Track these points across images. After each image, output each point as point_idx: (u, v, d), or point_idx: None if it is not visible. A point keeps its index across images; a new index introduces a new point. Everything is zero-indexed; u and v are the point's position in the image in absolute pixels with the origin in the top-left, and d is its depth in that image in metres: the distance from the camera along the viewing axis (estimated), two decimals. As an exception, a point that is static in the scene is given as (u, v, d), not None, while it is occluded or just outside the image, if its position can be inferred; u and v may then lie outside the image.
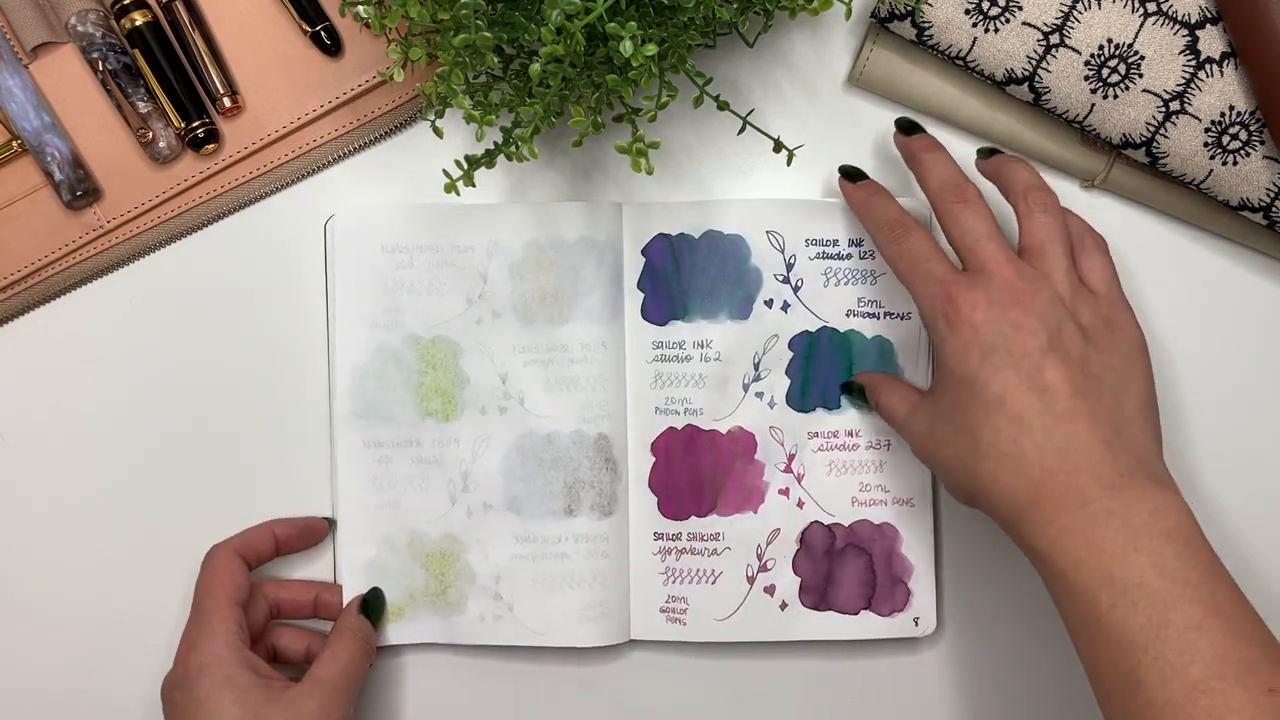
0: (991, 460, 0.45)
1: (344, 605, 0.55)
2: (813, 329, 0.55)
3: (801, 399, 0.55)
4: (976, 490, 0.46)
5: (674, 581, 0.55)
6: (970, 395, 0.45)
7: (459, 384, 0.55)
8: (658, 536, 0.55)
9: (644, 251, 0.55)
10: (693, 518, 0.55)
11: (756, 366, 0.55)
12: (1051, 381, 0.44)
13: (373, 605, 0.54)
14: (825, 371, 0.55)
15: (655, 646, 0.56)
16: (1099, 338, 0.46)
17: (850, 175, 0.53)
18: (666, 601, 0.55)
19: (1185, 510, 0.44)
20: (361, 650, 0.52)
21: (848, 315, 0.55)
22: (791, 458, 0.55)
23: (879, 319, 0.55)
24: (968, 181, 0.49)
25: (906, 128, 0.52)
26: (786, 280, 0.55)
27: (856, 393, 0.54)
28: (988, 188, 0.51)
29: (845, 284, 0.55)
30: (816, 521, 0.55)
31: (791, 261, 0.55)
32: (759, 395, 0.55)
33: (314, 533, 0.55)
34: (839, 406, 0.55)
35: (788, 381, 0.55)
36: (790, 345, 0.55)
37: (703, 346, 0.55)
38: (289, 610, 0.54)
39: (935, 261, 0.47)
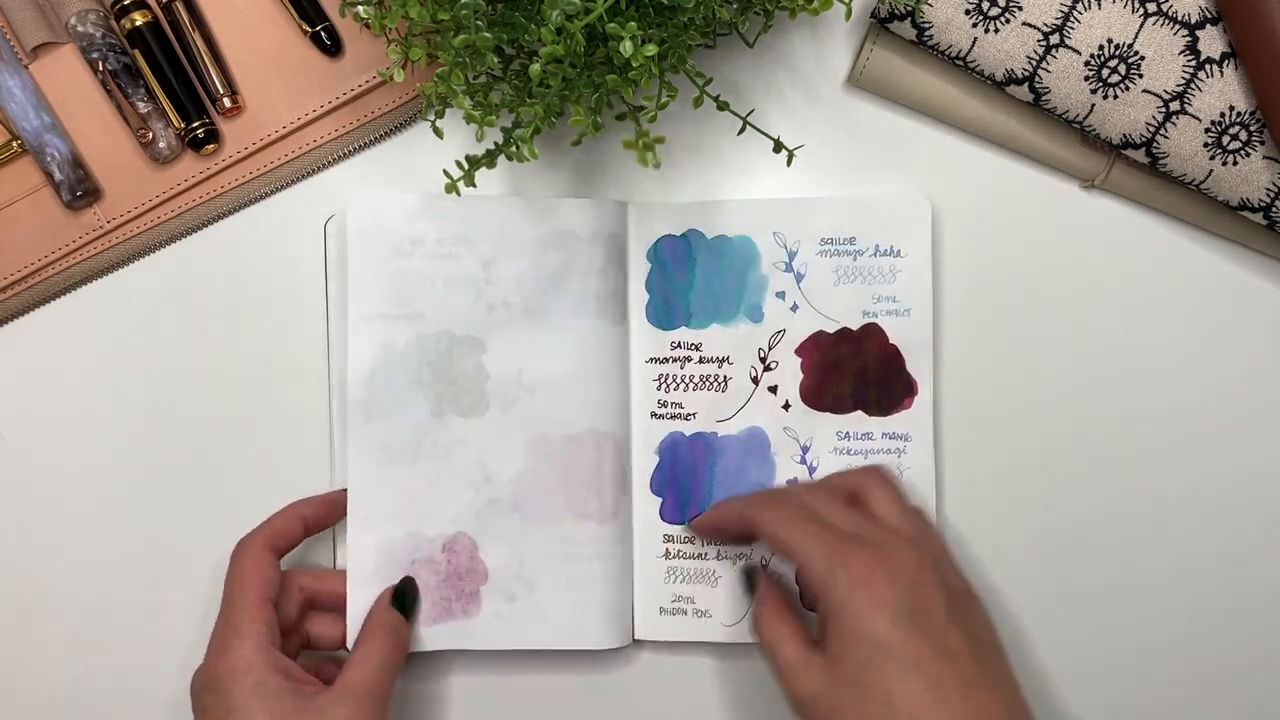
0: None
1: (354, 607, 0.53)
2: (828, 330, 0.55)
3: (816, 400, 0.55)
4: None
5: (677, 582, 0.55)
6: (883, 658, 0.44)
7: (475, 380, 0.54)
8: (664, 539, 0.55)
9: (650, 253, 0.55)
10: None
11: (766, 367, 0.55)
12: (955, 648, 0.45)
13: (406, 598, 0.53)
14: (838, 373, 0.55)
15: (658, 647, 0.56)
16: (965, 599, 0.47)
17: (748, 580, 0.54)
18: (670, 602, 0.55)
19: None
20: (394, 647, 0.51)
21: (855, 313, 0.55)
22: (804, 461, 0.55)
23: (888, 315, 0.55)
24: (773, 489, 0.52)
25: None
26: (789, 268, 0.55)
27: (747, 584, 0.54)
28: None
29: (858, 282, 0.55)
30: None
31: (795, 249, 0.55)
32: (770, 396, 0.55)
33: (339, 506, 0.54)
34: (851, 409, 0.55)
35: (799, 381, 0.55)
36: (799, 348, 0.55)
37: (709, 348, 0.55)
38: (325, 603, 0.53)
39: (814, 523, 0.47)
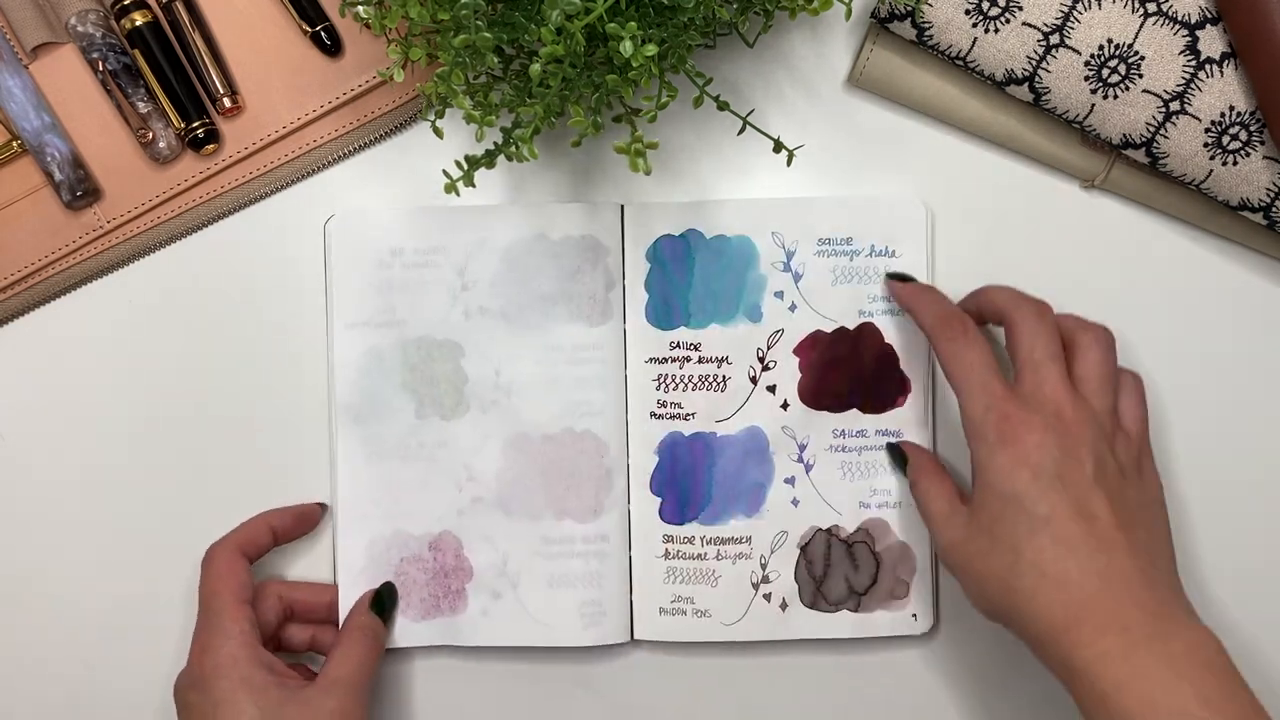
0: (1031, 578, 0.45)
1: (346, 602, 0.55)
2: (825, 329, 0.55)
3: (813, 399, 0.55)
4: (1010, 606, 0.46)
5: (677, 582, 0.55)
6: (1015, 512, 0.46)
7: (454, 383, 0.55)
8: (663, 539, 0.55)
9: (649, 253, 0.55)
10: (696, 520, 0.55)
11: (765, 367, 0.55)
12: (1097, 511, 0.45)
13: (384, 601, 0.54)
14: (835, 372, 0.55)
15: (656, 646, 0.56)
16: (1132, 476, 0.48)
17: (900, 279, 0.54)
18: (670, 602, 0.55)
19: (1221, 645, 0.45)
20: (372, 647, 0.52)
21: (853, 313, 0.55)
22: (801, 460, 0.55)
23: (886, 314, 0.55)
24: (964, 316, 0.50)
25: (900, 277, 0.54)
26: (788, 268, 0.55)
27: (898, 459, 0.54)
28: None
29: (854, 282, 0.55)
30: (820, 527, 0.55)
31: (793, 249, 0.55)
32: (768, 395, 0.55)
33: (308, 519, 0.55)
34: (846, 408, 0.55)
35: (797, 380, 0.55)
36: (797, 347, 0.55)
37: (708, 348, 0.55)
38: (303, 612, 0.54)
39: (991, 373, 0.48)
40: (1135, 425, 0.49)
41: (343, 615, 0.54)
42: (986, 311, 0.51)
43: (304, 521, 0.55)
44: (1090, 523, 0.45)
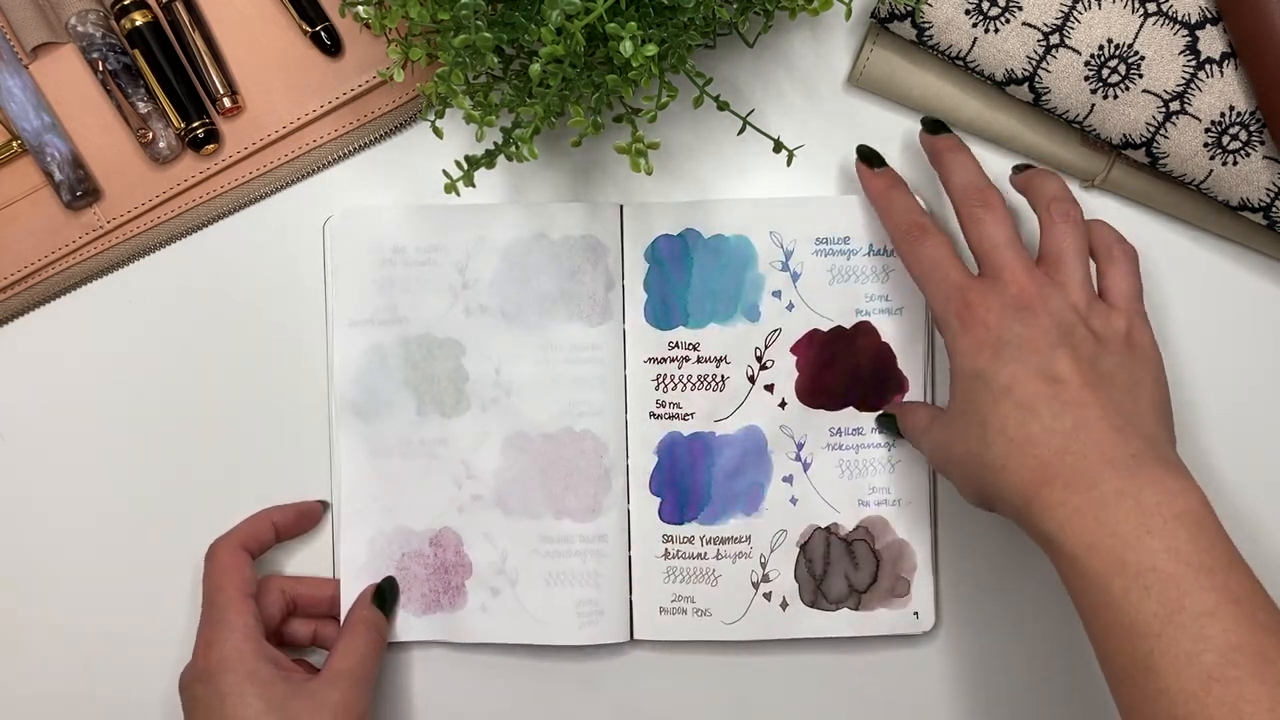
0: (999, 446, 0.45)
1: (348, 597, 0.55)
2: (822, 328, 0.55)
3: (811, 398, 0.55)
4: (985, 481, 0.46)
5: (677, 581, 0.55)
6: (979, 388, 0.46)
7: (455, 381, 0.55)
8: (663, 539, 0.55)
9: (648, 253, 0.55)
10: (695, 520, 0.55)
11: (763, 366, 0.55)
12: (1061, 372, 0.45)
13: (386, 596, 0.54)
14: (832, 371, 0.55)
15: (656, 646, 0.56)
16: (1112, 345, 0.46)
17: (868, 159, 0.53)
18: (670, 601, 0.55)
19: (1198, 494, 0.43)
20: (374, 641, 0.52)
21: (852, 313, 0.55)
22: (799, 459, 0.55)
23: (884, 314, 0.55)
24: (991, 186, 0.50)
25: (931, 127, 0.53)
26: (786, 268, 0.55)
27: (889, 424, 0.54)
28: (1016, 200, 0.51)
29: (851, 281, 0.55)
30: (818, 525, 0.55)
31: (791, 249, 0.55)
32: (766, 394, 0.55)
33: (310, 516, 0.55)
34: (843, 406, 0.55)
35: (795, 379, 0.55)
36: (794, 346, 0.55)
37: (707, 348, 0.55)
38: (307, 606, 0.55)
39: (951, 266, 0.48)
40: (1122, 296, 0.48)
41: (344, 610, 0.55)
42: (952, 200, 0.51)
43: (305, 519, 0.55)
44: (1054, 385, 0.44)
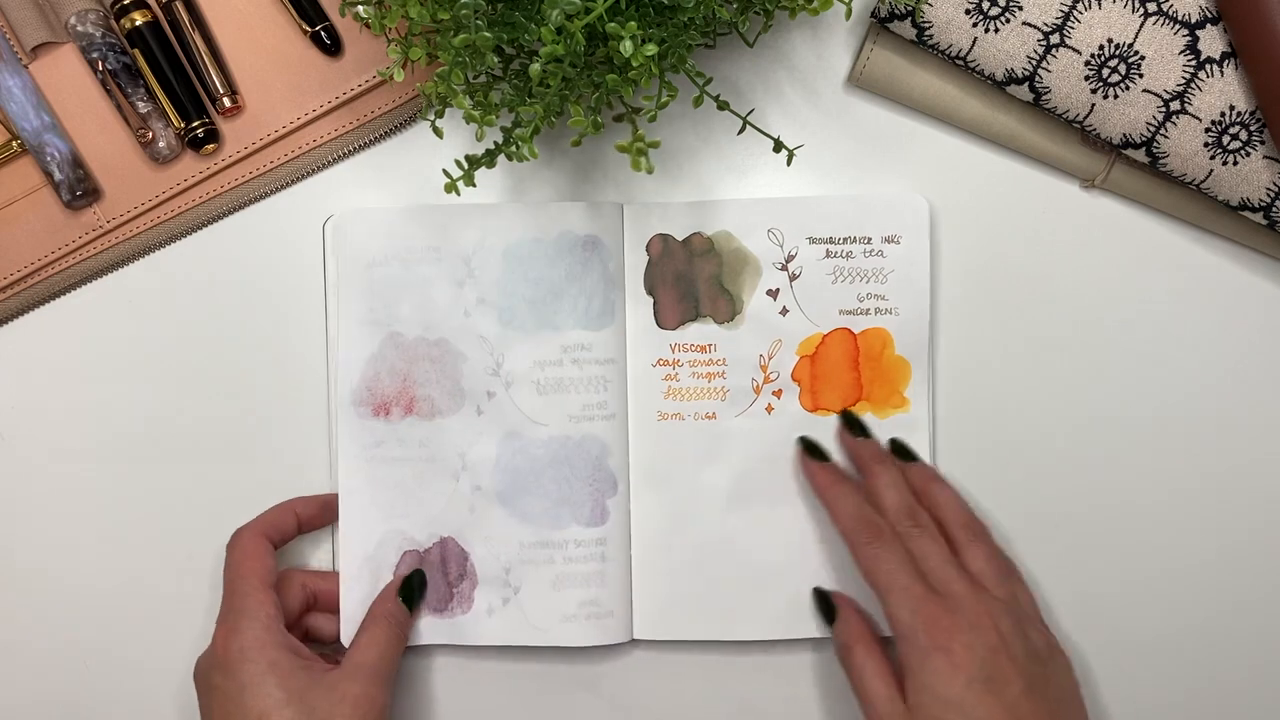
0: None
1: (347, 596, 0.55)
2: (824, 329, 0.55)
3: (814, 400, 0.55)
4: None
5: (678, 582, 0.55)
6: (955, 716, 0.47)
7: (455, 381, 0.55)
8: (665, 539, 0.55)
9: (648, 252, 0.55)
10: (697, 520, 0.55)
11: (766, 367, 0.55)
12: (1024, 712, 0.47)
13: (414, 589, 0.54)
14: (835, 372, 0.55)
15: (657, 646, 0.56)
16: (1048, 660, 0.49)
17: (811, 450, 0.54)
18: (670, 601, 0.55)
19: None
20: (396, 636, 0.52)
21: (853, 313, 0.55)
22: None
23: (885, 314, 0.55)
24: (918, 508, 0.52)
25: (810, 449, 0.55)
26: (786, 268, 0.55)
27: (824, 607, 0.54)
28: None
29: (852, 281, 0.55)
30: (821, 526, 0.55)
31: (793, 249, 0.55)
32: (770, 396, 0.55)
33: (332, 508, 0.55)
34: (846, 408, 0.55)
35: (798, 380, 0.55)
36: (797, 347, 0.55)
37: (711, 349, 0.55)
38: (325, 602, 0.55)
39: (909, 576, 0.50)
40: (1030, 604, 0.52)
41: (344, 611, 0.54)
42: (840, 526, 0.53)
43: (328, 510, 0.55)
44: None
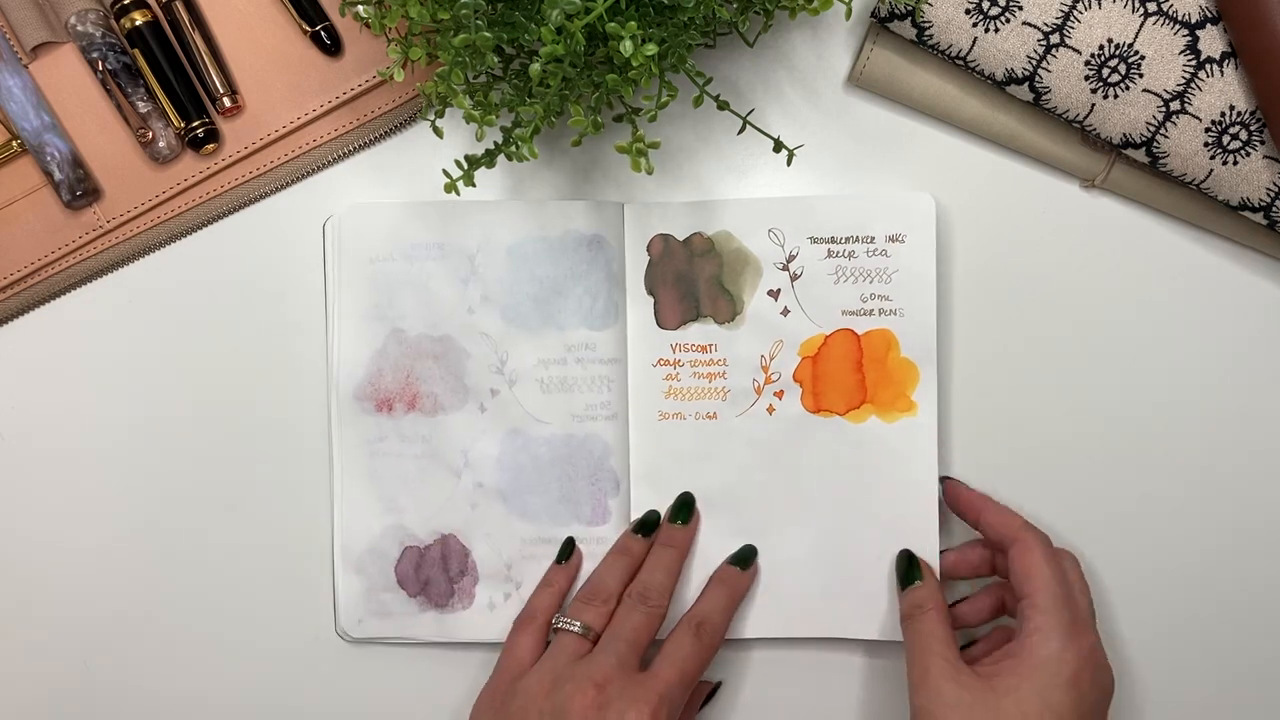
0: None
1: (345, 596, 0.55)
2: (827, 330, 0.55)
3: (817, 400, 0.55)
4: None
5: (678, 581, 0.55)
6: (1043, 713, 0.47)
7: (457, 379, 0.55)
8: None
9: (649, 252, 0.55)
10: (700, 520, 0.55)
11: (768, 367, 0.55)
12: None
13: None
14: (838, 372, 0.55)
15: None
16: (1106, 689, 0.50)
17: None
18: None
19: None
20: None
21: (857, 314, 0.55)
22: (807, 460, 0.55)
23: (890, 315, 0.55)
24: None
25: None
26: (788, 268, 0.55)
27: (904, 566, 0.54)
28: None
29: (855, 281, 0.55)
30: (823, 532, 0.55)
31: (794, 250, 0.55)
32: (772, 397, 0.55)
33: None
34: (852, 408, 0.55)
35: (800, 380, 0.55)
36: (800, 347, 0.55)
37: (712, 349, 0.55)
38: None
39: (1064, 582, 0.51)
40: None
41: (341, 603, 0.54)
42: (990, 533, 0.53)
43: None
44: None
